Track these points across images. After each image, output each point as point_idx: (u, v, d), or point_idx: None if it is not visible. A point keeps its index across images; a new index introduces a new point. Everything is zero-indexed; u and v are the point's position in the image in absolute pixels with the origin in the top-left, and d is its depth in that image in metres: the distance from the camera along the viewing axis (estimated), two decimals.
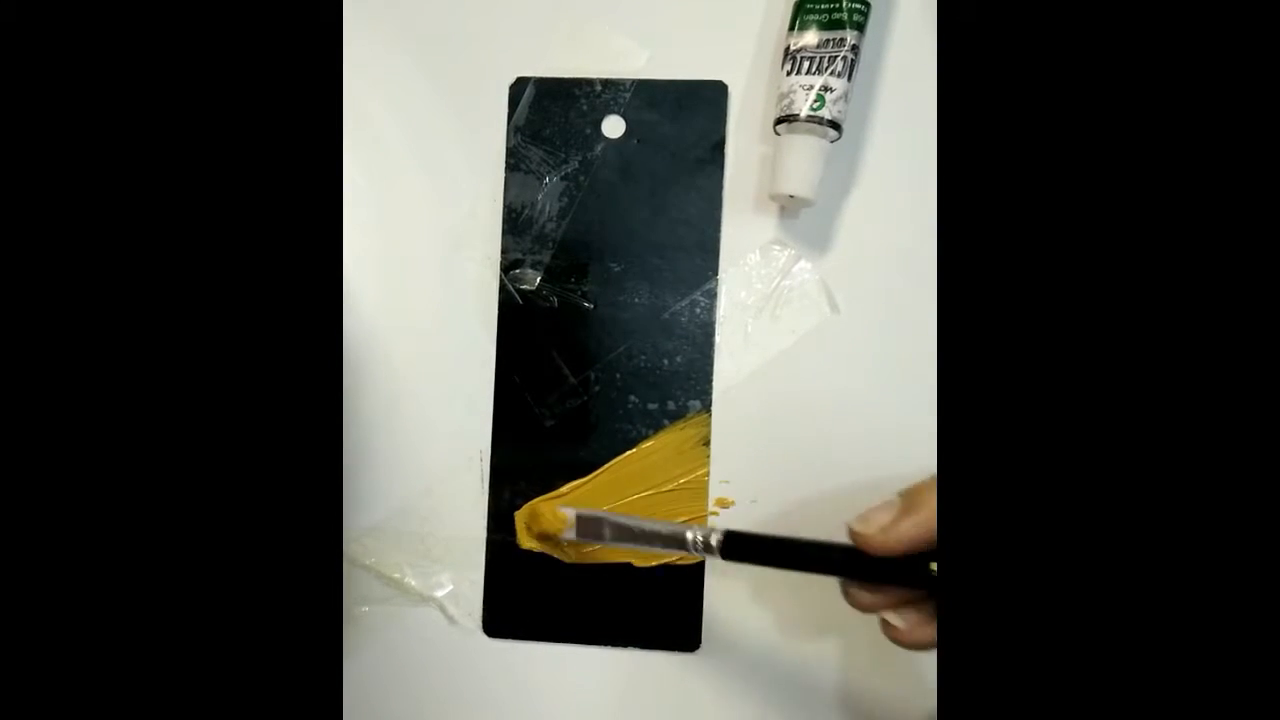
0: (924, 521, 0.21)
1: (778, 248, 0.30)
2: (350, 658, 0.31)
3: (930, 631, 0.22)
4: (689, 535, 0.26)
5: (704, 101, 0.31)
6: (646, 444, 0.30)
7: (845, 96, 0.28)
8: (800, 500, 0.30)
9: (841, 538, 0.23)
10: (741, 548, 0.25)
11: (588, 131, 0.31)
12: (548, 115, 0.31)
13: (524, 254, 0.31)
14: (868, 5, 0.28)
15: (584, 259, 0.31)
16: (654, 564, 0.30)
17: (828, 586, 0.30)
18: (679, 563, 0.30)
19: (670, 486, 0.30)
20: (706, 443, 0.30)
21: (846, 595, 0.23)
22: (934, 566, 0.21)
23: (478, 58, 0.31)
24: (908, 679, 0.29)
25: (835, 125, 0.28)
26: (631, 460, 0.30)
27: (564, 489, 0.30)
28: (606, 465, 0.30)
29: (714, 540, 0.25)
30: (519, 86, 0.31)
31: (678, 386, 0.30)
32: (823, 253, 0.30)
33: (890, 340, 0.30)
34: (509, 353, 0.31)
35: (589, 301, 0.31)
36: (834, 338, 0.30)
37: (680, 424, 0.30)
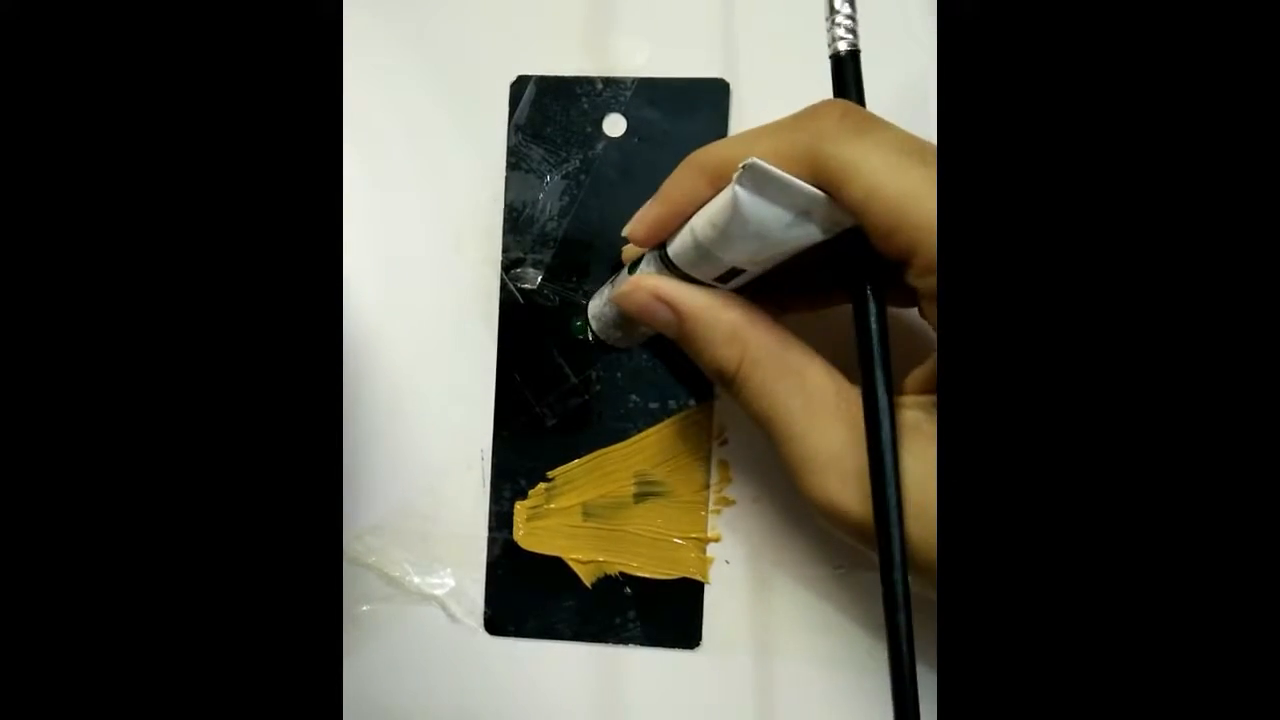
0: (668, 208, 0.22)
1: None
2: (350, 657, 0.31)
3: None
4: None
5: (705, 100, 0.30)
6: (647, 432, 0.30)
7: None
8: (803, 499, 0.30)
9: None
10: None
11: (589, 130, 0.31)
12: (548, 114, 0.31)
13: (525, 253, 0.31)
14: None
15: (585, 258, 0.31)
16: (659, 576, 0.30)
17: (829, 582, 0.30)
18: (684, 577, 0.30)
19: (670, 465, 0.30)
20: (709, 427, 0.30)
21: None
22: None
23: (478, 57, 0.31)
24: None
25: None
26: (628, 445, 0.30)
27: (558, 470, 0.30)
28: (602, 449, 0.30)
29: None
30: (519, 85, 0.31)
31: (679, 385, 0.30)
32: None
33: (889, 340, 0.29)
34: (510, 352, 0.31)
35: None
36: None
37: (681, 414, 0.30)
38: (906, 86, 0.30)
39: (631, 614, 0.30)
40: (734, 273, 0.22)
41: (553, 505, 0.30)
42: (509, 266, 0.31)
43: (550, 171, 0.31)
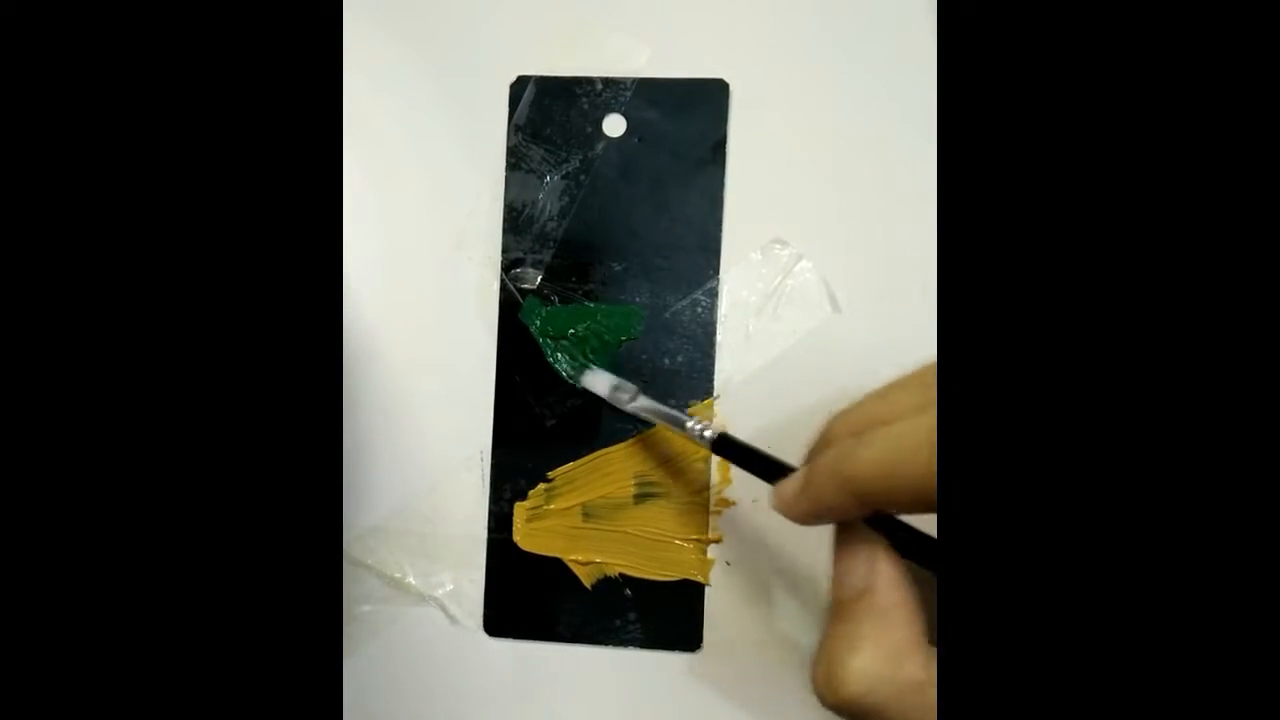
0: (815, 500, 0.22)
1: (779, 247, 0.30)
2: (350, 657, 0.31)
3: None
4: (688, 424, 0.27)
5: (705, 100, 0.30)
6: (647, 433, 0.30)
7: None
8: None
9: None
10: (729, 449, 0.26)
11: (589, 130, 0.31)
12: (548, 114, 0.31)
13: (525, 253, 0.31)
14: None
15: (585, 258, 0.31)
16: (659, 578, 0.30)
17: (830, 584, 0.30)
18: (684, 578, 0.30)
19: (671, 466, 0.30)
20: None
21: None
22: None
23: (478, 57, 0.31)
24: None
25: None
26: (628, 446, 0.30)
27: (557, 471, 0.30)
28: (602, 450, 0.30)
29: (707, 434, 0.26)
30: (519, 85, 0.31)
31: (679, 385, 0.30)
32: (824, 252, 0.30)
33: (890, 340, 0.29)
34: (510, 352, 0.31)
35: (590, 300, 0.31)
36: (835, 337, 0.30)
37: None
38: (907, 87, 0.30)
39: (632, 616, 0.30)
40: None
41: (552, 506, 0.30)
42: (509, 266, 0.31)
43: (550, 172, 0.31)
